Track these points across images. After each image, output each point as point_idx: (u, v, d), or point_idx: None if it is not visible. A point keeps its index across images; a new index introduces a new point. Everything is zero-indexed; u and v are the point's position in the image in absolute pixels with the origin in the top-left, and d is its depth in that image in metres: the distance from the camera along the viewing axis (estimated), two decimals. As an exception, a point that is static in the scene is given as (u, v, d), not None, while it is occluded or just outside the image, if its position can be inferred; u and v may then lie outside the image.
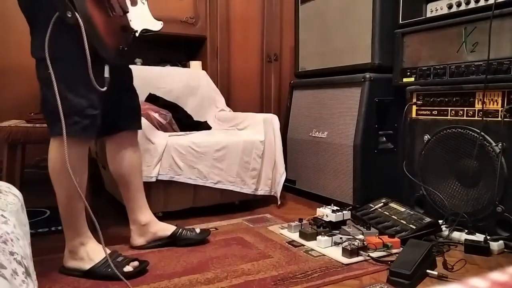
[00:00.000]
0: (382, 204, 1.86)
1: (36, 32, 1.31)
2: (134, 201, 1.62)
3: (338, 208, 1.79)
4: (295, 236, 1.75)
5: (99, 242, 1.43)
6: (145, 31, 1.47)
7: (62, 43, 1.24)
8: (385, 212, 1.81)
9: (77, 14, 1.18)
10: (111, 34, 1.32)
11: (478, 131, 1.66)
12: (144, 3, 1.50)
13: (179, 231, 1.66)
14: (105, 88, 1.28)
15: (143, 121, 1.75)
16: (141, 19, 1.46)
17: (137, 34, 1.44)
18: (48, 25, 1.20)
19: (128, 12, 1.38)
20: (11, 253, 0.61)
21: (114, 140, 1.57)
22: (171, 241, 1.64)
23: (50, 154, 1.34)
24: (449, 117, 1.82)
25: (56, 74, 1.22)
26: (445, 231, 1.70)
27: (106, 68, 1.31)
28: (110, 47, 1.32)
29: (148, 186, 1.72)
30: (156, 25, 1.51)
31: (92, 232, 1.44)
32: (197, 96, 2.63)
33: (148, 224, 1.63)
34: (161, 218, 1.75)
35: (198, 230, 1.69)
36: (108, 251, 1.40)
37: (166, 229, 1.65)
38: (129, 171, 1.59)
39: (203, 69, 2.79)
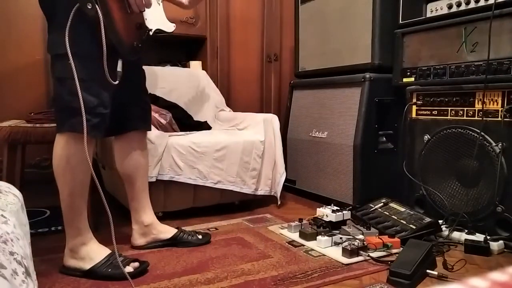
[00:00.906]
0: (382, 204, 1.86)
1: (53, 27, 1.32)
2: (139, 201, 1.62)
3: (338, 208, 1.79)
4: (295, 236, 1.75)
5: (101, 241, 1.44)
6: (158, 31, 1.50)
7: (79, 39, 1.25)
8: (385, 212, 1.81)
9: (97, 6, 1.20)
10: (127, 30, 1.36)
11: (478, 131, 1.66)
12: (159, 4, 1.53)
13: (180, 234, 1.66)
14: (117, 82, 1.30)
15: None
16: (156, 19, 1.49)
17: (150, 33, 1.47)
18: (67, 19, 1.22)
19: (144, 11, 1.41)
20: (11, 253, 0.61)
21: (123, 139, 1.58)
22: (172, 243, 1.64)
23: (55, 150, 1.34)
24: (449, 117, 1.82)
25: (71, 70, 1.22)
26: (445, 231, 1.70)
27: (119, 63, 1.34)
28: (125, 42, 1.35)
29: (148, 186, 1.72)
30: (169, 27, 1.55)
31: (93, 232, 1.45)
32: (197, 96, 2.62)
33: (151, 225, 1.63)
34: (161, 218, 1.75)
35: (200, 236, 1.69)
36: (109, 251, 1.40)
37: (168, 231, 1.65)
38: (136, 171, 1.60)
39: (203, 69, 2.79)
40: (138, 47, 1.40)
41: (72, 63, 1.21)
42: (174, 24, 1.56)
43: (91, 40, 1.26)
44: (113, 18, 1.28)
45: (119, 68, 1.33)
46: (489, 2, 1.63)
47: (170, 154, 1.94)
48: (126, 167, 1.59)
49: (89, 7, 1.20)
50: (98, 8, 1.21)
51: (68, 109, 1.28)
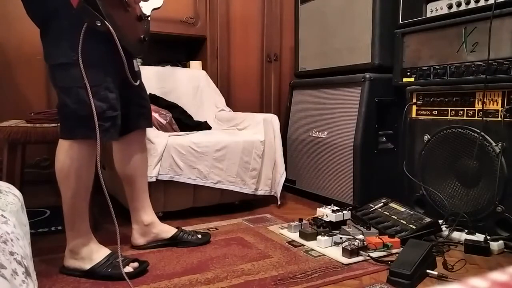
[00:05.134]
0: (382, 204, 1.86)
1: (48, 36, 1.31)
2: (138, 201, 1.62)
3: (338, 208, 1.79)
4: (295, 236, 1.75)
5: (101, 241, 1.44)
6: (152, 10, 1.52)
7: (82, 48, 1.25)
8: (385, 212, 1.81)
9: (107, 23, 1.21)
10: (131, 28, 1.37)
11: (478, 131, 1.66)
12: None
13: (180, 234, 1.66)
14: (138, 82, 1.34)
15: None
16: (148, 1, 1.49)
17: (149, 18, 1.48)
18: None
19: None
20: (11, 253, 0.61)
21: (122, 141, 1.56)
22: (172, 243, 1.64)
23: (59, 154, 1.33)
24: (449, 117, 1.82)
25: (76, 78, 1.23)
26: (445, 231, 1.70)
27: (135, 62, 1.36)
28: (134, 41, 1.36)
29: (148, 186, 1.72)
30: (158, 1, 1.54)
31: (93, 232, 1.44)
32: (197, 96, 2.62)
33: (151, 224, 1.63)
34: (161, 218, 1.75)
35: (200, 235, 1.69)
36: (108, 252, 1.40)
37: (168, 231, 1.65)
38: (136, 171, 1.59)
39: (203, 69, 2.79)
40: (145, 40, 1.42)
41: (84, 72, 1.21)
42: None
43: (92, 47, 1.25)
44: (119, 25, 1.28)
45: (137, 68, 1.35)
46: (489, 2, 1.63)
47: (170, 154, 1.94)
48: (126, 168, 1.59)
49: (99, 24, 1.21)
50: (108, 24, 1.21)
51: (76, 117, 1.28)
